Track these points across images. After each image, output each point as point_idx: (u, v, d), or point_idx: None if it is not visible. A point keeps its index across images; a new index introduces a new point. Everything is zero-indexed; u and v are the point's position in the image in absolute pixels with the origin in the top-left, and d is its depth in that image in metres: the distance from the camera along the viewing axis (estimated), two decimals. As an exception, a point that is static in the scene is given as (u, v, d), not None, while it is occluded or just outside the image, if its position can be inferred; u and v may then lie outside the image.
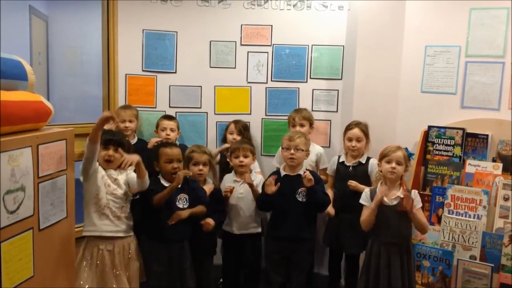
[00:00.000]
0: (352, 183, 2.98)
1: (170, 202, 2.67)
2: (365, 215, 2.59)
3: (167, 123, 3.32)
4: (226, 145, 3.33)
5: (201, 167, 2.90)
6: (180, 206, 2.70)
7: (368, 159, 3.10)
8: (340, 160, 3.16)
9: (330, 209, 3.06)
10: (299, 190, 2.78)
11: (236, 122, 3.43)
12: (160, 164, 2.71)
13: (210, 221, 2.78)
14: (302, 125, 3.29)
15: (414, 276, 2.69)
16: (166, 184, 2.69)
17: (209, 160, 2.97)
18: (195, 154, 2.92)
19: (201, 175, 2.91)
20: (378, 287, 2.57)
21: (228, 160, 3.13)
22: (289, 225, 2.79)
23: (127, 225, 2.61)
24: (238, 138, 3.34)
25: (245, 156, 3.00)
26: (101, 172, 2.55)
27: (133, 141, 3.24)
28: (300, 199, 2.78)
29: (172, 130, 3.29)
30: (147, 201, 2.65)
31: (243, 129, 3.39)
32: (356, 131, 3.09)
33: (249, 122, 3.59)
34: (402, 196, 2.51)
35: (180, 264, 2.69)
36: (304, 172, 2.73)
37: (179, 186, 2.67)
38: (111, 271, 2.52)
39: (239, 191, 3.01)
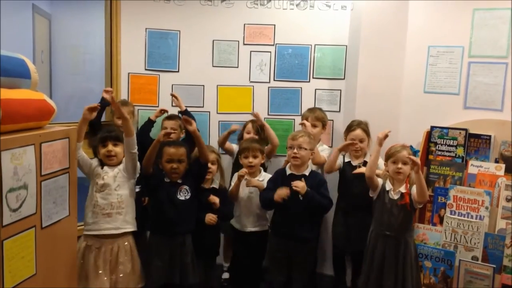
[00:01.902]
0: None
1: (172, 195, 2.70)
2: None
3: (166, 123, 3.30)
4: (234, 127, 3.37)
5: (209, 165, 2.88)
6: (182, 198, 2.71)
7: None
8: (346, 160, 3.14)
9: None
10: None
11: (253, 121, 3.36)
12: (162, 162, 2.72)
13: (213, 217, 2.80)
14: (314, 126, 3.24)
15: (418, 274, 2.70)
16: (167, 180, 2.73)
17: (217, 159, 2.97)
18: None
19: (209, 173, 2.90)
20: (376, 282, 2.63)
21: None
22: (291, 224, 2.78)
23: (122, 221, 2.57)
24: (256, 138, 3.27)
25: (255, 157, 2.98)
26: (97, 170, 2.56)
27: None
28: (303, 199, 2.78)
29: (173, 129, 3.25)
30: (150, 194, 2.70)
31: (260, 128, 3.31)
32: (358, 132, 3.08)
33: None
34: (404, 191, 2.62)
35: (182, 259, 2.69)
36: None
37: (180, 181, 2.73)
38: (93, 269, 2.51)
39: (250, 190, 3.00)
